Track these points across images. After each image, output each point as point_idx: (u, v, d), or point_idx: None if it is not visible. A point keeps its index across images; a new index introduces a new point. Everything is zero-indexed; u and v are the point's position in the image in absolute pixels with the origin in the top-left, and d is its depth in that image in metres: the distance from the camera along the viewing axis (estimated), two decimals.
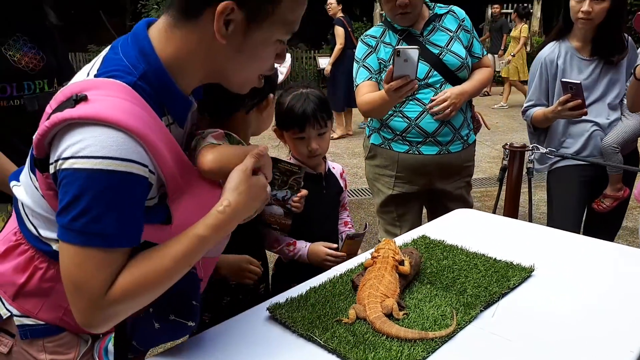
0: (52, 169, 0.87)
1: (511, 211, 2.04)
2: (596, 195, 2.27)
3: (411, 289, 1.24)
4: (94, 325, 0.90)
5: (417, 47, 1.78)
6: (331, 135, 1.61)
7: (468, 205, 2.25)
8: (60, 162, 0.84)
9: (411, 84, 1.79)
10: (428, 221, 2.31)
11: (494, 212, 2.11)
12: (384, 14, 2.19)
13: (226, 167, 0.98)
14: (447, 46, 2.11)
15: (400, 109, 2.11)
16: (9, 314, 1.04)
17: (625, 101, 2.26)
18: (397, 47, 1.77)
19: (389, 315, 1.09)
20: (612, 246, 1.54)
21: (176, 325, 1.02)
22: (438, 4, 2.18)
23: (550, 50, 2.23)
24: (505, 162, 2.07)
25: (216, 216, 0.93)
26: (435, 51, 2.09)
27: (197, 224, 0.93)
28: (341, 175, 1.82)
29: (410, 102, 2.09)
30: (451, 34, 2.13)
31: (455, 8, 2.19)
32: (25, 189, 1.02)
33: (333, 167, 1.80)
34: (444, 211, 2.11)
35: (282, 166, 1.56)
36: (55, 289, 1.04)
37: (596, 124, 2.21)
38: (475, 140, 2.27)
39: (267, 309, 1.15)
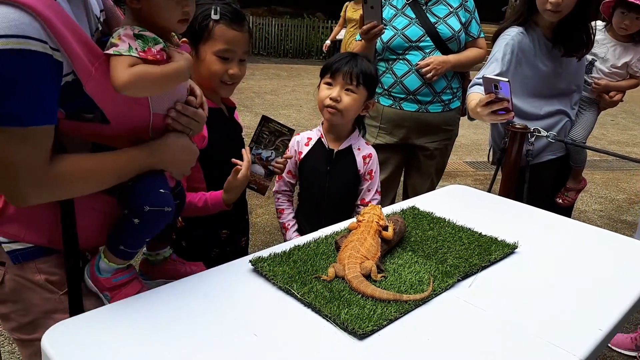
0: None
1: (506, 192, 2.04)
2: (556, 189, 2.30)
3: (393, 254, 1.27)
4: (33, 201, 0.97)
5: None
6: None
7: (443, 166, 2.54)
8: None
9: (378, 27, 2.05)
10: (404, 176, 2.60)
11: (489, 191, 2.12)
12: None
13: (145, 88, 0.99)
14: (444, 18, 2.30)
15: (391, 66, 2.34)
16: None
17: (583, 93, 2.26)
18: None
19: (367, 277, 1.12)
20: (600, 231, 1.55)
21: (155, 215, 1.06)
22: None
23: (520, 30, 2.01)
24: (505, 141, 2.07)
25: (156, 158, 1.08)
26: (433, 20, 2.29)
27: (140, 153, 1.06)
28: (364, 157, 1.79)
29: (400, 61, 2.32)
30: (451, 10, 2.33)
31: None
32: None
33: (358, 148, 1.79)
34: (419, 166, 2.48)
35: (272, 125, 1.56)
36: (33, 212, 1.06)
37: (566, 114, 2.15)
38: (459, 107, 2.45)
39: (250, 261, 1.18)
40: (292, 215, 1.85)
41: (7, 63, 0.83)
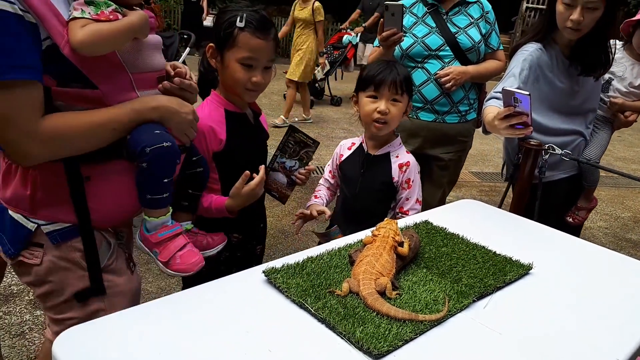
0: None
1: (518, 208, 2.02)
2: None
3: (407, 271, 1.25)
4: (33, 157, 1.03)
5: (401, 3, 2.11)
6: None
7: (455, 177, 2.54)
8: None
9: (397, 35, 2.05)
10: None
11: (500, 207, 2.10)
12: None
13: (99, 44, 1.04)
14: (465, 28, 2.29)
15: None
16: (36, 225, 1.12)
17: (598, 111, 2.24)
18: (385, 2, 2.05)
19: (382, 294, 1.10)
20: (613, 255, 1.53)
21: (158, 153, 1.13)
22: None
23: (538, 47, 1.99)
24: (519, 157, 2.05)
25: (143, 105, 1.13)
26: (453, 30, 2.27)
27: (127, 103, 1.11)
28: (400, 166, 1.77)
29: (419, 70, 2.30)
30: (472, 20, 2.31)
31: (484, 0, 2.37)
32: None
33: (396, 155, 1.78)
34: (432, 176, 2.46)
35: (298, 136, 1.57)
36: (60, 191, 1.12)
37: (581, 134, 2.13)
38: (475, 118, 2.44)
39: (263, 272, 1.17)
40: (325, 198, 1.90)
41: None
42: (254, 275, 1.18)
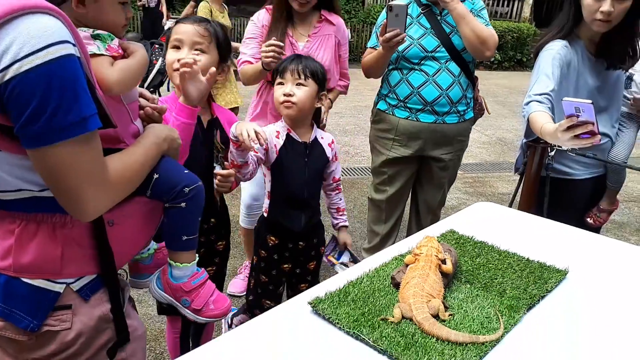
0: None
1: (527, 206, 2.03)
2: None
3: (450, 288, 1.22)
4: (101, 209, 0.95)
5: (405, 3, 2.07)
6: None
7: (454, 177, 2.57)
8: (1, 75, 0.78)
9: (400, 36, 2.04)
10: (415, 187, 2.58)
11: (510, 206, 2.11)
12: None
13: (130, 82, 1.03)
14: (456, 27, 2.25)
15: (407, 76, 2.29)
16: (64, 285, 1.00)
17: (622, 108, 2.18)
18: (389, 3, 2.03)
19: (435, 316, 1.07)
20: (633, 248, 1.55)
21: (195, 192, 1.12)
22: None
23: (564, 44, 1.93)
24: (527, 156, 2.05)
25: (157, 138, 1.09)
26: (447, 30, 2.26)
27: (144, 139, 1.07)
28: (329, 144, 1.91)
29: (416, 72, 2.27)
30: None
31: None
32: None
33: (322, 137, 1.91)
34: (432, 177, 2.48)
35: (215, 141, 1.68)
36: (84, 241, 1.01)
37: (606, 135, 2.04)
38: (472, 117, 2.45)
39: (309, 302, 1.12)
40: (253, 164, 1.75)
41: (62, 70, 0.82)
42: (299, 306, 1.13)
